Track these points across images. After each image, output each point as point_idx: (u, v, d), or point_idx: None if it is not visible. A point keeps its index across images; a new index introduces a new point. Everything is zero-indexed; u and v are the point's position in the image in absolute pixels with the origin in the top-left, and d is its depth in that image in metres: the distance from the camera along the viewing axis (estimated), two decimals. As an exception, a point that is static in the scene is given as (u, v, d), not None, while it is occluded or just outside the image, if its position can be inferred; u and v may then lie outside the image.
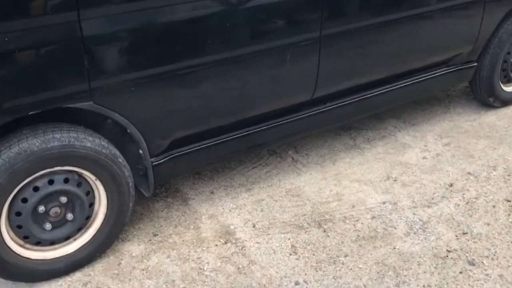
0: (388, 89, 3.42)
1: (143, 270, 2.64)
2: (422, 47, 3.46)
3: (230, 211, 3.05)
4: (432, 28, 3.42)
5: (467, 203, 3.08)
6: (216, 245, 2.80)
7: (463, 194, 3.16)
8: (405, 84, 3.51)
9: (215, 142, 2.84)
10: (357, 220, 2.96)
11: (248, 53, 2.71)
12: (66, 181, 2.43)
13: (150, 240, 2.84)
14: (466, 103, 4.27)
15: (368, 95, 3.34)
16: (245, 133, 2.93)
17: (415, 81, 3.55)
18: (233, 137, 2.90)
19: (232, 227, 2.92)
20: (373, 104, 3.44)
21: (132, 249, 2.77)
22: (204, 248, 2.77)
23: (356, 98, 3.29)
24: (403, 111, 4.11)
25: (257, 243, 2.80)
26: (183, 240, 2.83)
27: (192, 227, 2.93)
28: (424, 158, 3.53)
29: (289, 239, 2.83)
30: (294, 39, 2.82)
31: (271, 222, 2.95)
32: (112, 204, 2.58)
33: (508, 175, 3.32)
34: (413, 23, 3.29)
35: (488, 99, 4.07)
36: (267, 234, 2.86)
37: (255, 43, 2.72)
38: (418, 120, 4.01)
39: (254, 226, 2.93)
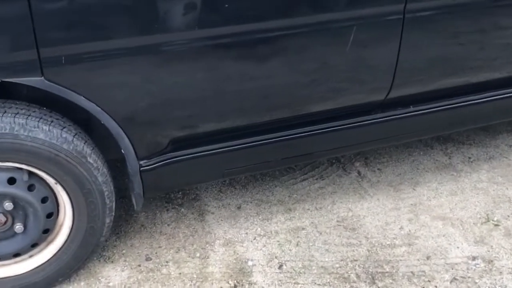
0: (497, 97, 2.40)
1: (113, 311, 1.94)
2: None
3: (254, 238, 2.26)
4: None
5: None
6: (221, 288, 2.03)
7: None
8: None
9: (237, 146, 2.04)
10: (429, 281, 2.05)
11: (294, 26, 1.87)
12: (11, 181, 1.77)
13: (139, 265, 2.13)
14: None
15: (468, 102, 2.35)
16: (283, 137, 2.10)
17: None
18: (265, 141, 2.08)
19: (250, 263, 2.13)
20: (473, 115, 2.44)
21: (112, 275, 2.08)
22: (203, 291, 2.02)
23: (451, 104, 2.32)
24: (524, 123, 3.04)
25: (277, 294, 2.00)
26: (180, 273, 2.09)
27: (198, 254, 2.18)
28: (546, 196, 2.50)
29: (323, 295, 1.99)
30: (362, 12, 1.93)
31: (306, 264, 2.12)
32: (79, 217, 1.89)
33: None
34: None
35: None
36: (294, 283, 2.04)
37: (303, 14, 1.87)
38: (545, 139, 2.94)
39: (280, 266, 2.11)
